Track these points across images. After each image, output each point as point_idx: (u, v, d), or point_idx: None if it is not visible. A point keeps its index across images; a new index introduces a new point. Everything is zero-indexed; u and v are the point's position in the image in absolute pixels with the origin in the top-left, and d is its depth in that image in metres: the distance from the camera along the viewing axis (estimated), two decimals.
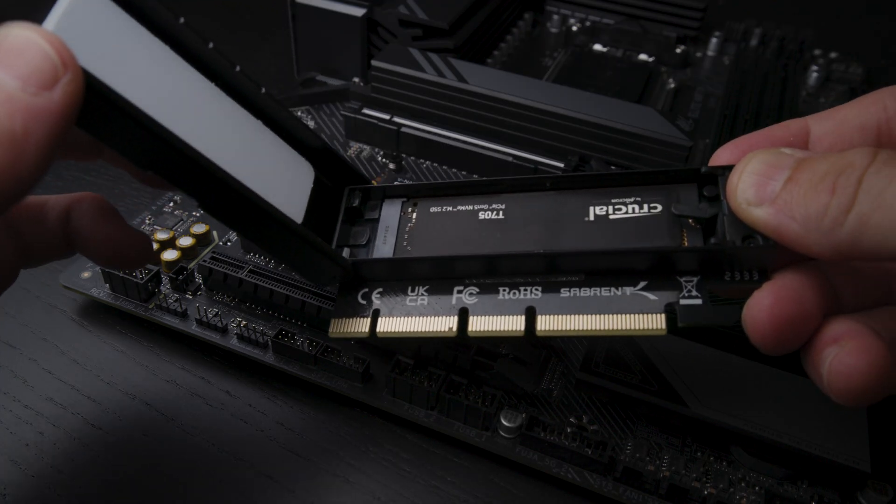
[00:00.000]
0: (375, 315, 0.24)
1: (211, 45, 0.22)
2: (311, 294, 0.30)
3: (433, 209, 0.25)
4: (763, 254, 0.20)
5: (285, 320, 0.31)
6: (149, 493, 0.26)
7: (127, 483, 0.26)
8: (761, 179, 0.19)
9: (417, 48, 0.41)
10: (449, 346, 0.28)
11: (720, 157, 0.22)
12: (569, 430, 0.26)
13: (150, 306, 0.31)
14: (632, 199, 0.23)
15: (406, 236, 0.25)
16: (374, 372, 0.29)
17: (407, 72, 0.39)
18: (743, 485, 0.26)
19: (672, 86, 0.48)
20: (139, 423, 0.28)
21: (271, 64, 0.50)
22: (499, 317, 0.22)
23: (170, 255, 0.32)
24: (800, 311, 0.19)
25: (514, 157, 0.38)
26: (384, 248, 0.25)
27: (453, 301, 0.23)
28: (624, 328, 0.21)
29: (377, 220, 0.26)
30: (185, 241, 0.33)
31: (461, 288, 0.23)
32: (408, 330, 0.23)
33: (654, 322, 0.21)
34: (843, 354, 0.19)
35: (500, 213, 0.24)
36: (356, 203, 0.26)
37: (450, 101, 0.38)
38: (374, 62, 0.39)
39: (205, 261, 0.31)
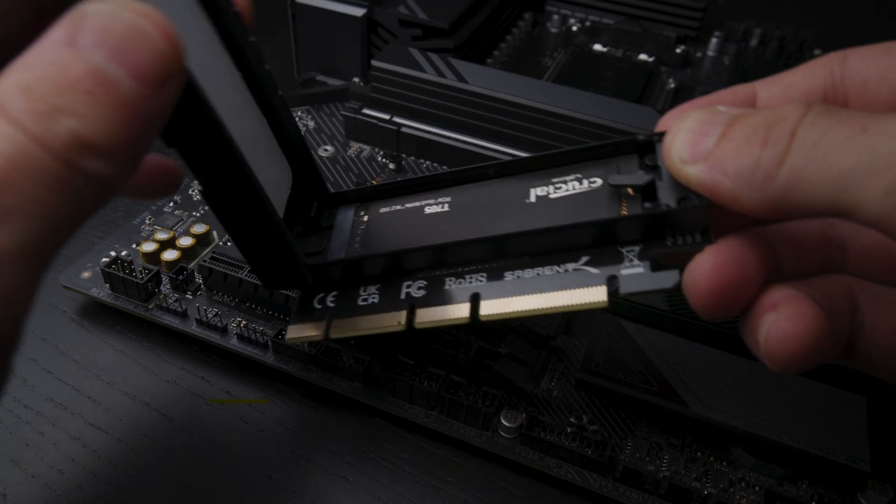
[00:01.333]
0: (328, 317, 0.24)
1: (253, 38, 0.22)
2: None
3: (383, 210, 0.26)
4: (699, 214, 0.20)
5: (285, 320, 0.31)
6: (149, 493, 0.26)
7: (127, 483, 0.26)
8: (695, 137, 0.18)
9: (417, 48, 0.41)
10: (449, 345, 0.28)
11: (664, 124, 0.21)
12: (569, 430, 0.26)
13: (150, 306, 0.31)
14: (572, 177, 0.23)
15: (358, 238, 0.25)
16: (374, 372, 0.29)
17: (407, 72, 0.39)
18: (743, 485, 0.26)
19: (672, 86, 0.48)
20: (139, 424, 0.28)
21: (271, 64, 0.49)
22: (444, 306, 0.23)
23: (170, 255, 0.32)
24: (740, 276, 0.19)
25: (514, 157, 0.38)
26: (337, 252, 0.25)
27: (402, 296, 0.23)
28: (565, 304, 0.21)
29: (332, 228, 0.26)
30: (186, 241, 0.33)
31: (410, 283, 0.24)
32: (359, 328, 0.24)
33: (595, 295, 0.21)
34: (780, 320, 0.18)
35: (446, 205, 0.25)
36: (313, 213, 0.26)
37: (450, 101, 0.38)
38: (374, 62, 0.39)
39: (205, 261, 0.31)
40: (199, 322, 0.30)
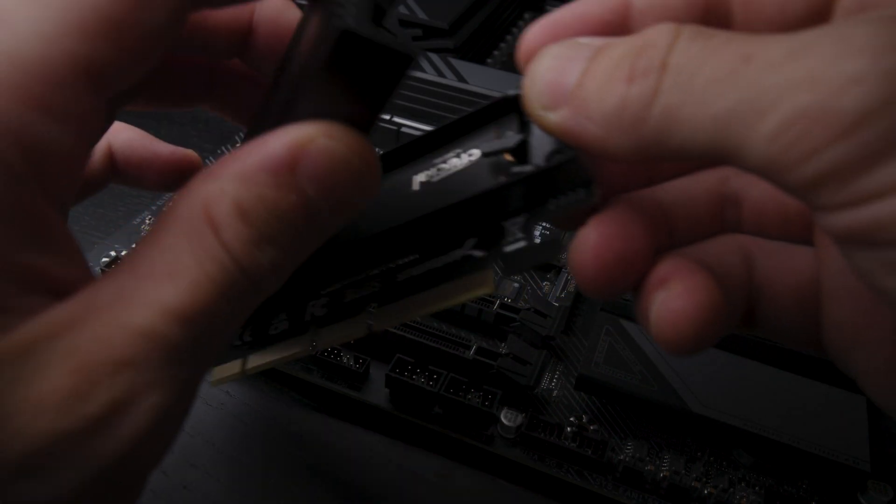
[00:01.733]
0: (245, 351, 0.23)
1: None
2: None
3: None
4: (573, 168, 0.17)
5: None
6: (148, 493, 0.26)
7: None
8: (554, 77, 0.16)
9: (417, 48, 0.41)
10: (449, 345, 0.28)
11: (528, 45, 0.18)
12: (569, 430, 0.26)
13: None
14: (452, 154, 0.20)
15: None
16: (373, 372, 0.29)
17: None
18: (743, 484, 0.26)
19: None
20: None
21: None
22: (343, 323, 0.21)
23: None
24: (628, 249, 0.17)
25: None
26: None
27: (306, 317, 0.22)
28: (455, 298, 0.19)
29: None
30: None
31: (313, 301, 0.22)
32: (272, 359, 0.22)
33: (479, 282, 0.18)
34: (669, 299, 0.16)
35: None
36: None
37: (450, 101, 0.38)
38: None
39: None
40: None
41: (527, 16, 0.53)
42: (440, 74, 0.38)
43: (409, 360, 0.28)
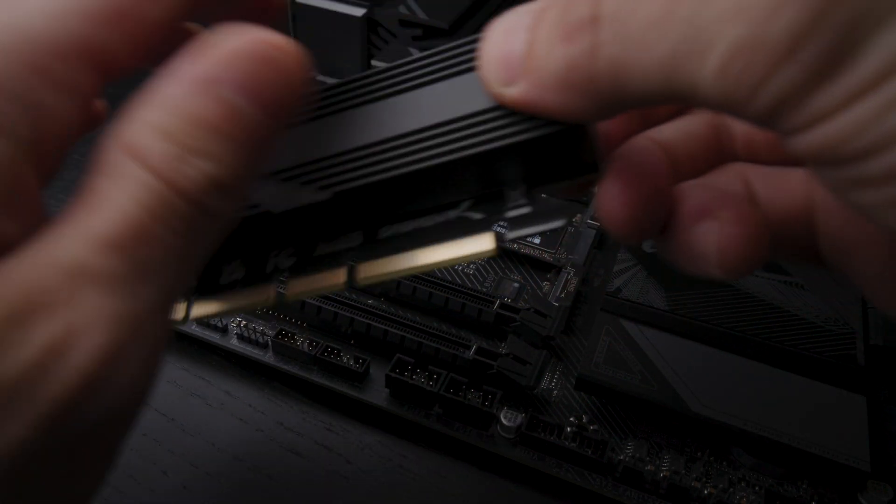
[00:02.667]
0: (192, 298, 0.20)
1: None
2: None
3: None
4: (564, 140, 0.16)
5: (285, 320, 0.31)
6: (149, 493, 0.26)
7: (126, 483, 0.26)
8: (504, 51, 0.15)
9: (417, 48, 0.41)
10: (449, 345, 0.28)
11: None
12: (569, 430, 0.26)
13: None
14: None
15: None
16: (373, 372, 0.29)
17: None
18: (743, 485, 0.26)
19: None
20: (139, 423, 0.28)
21: None
22: (318, 274, 0.19)
23: None
24: (653, 188, 0.17)
25: None
26: None
27: (268, 268, 0.20)
28: (451, 257, 0.18)
29: None
30: None
31: (277, 252, 0.20)
32: (222, 308, 0.20)
33: (482, 243, 0.18)
34: (727, 226, 0.16)
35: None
36: None
37: None
38: (373, 62, 0.39)
39: None
40: (200, 322, 0.30)
41: None
42: None
43: (409, 360, 0.28)
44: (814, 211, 0.18)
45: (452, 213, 0.19)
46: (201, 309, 0.20)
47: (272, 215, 0.19)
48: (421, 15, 0.43)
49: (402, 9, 0.43)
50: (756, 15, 0.12)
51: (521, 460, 0.27)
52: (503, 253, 0.34)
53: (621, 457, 0.26)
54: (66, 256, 0.13)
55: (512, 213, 0.18)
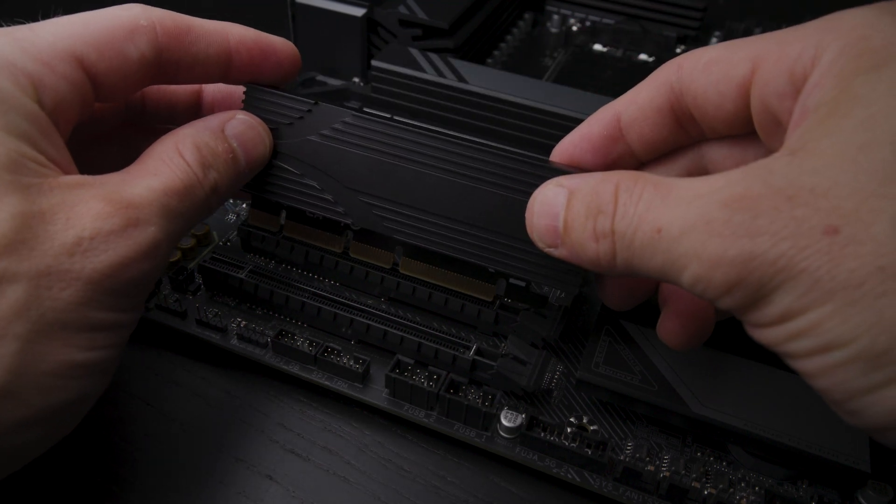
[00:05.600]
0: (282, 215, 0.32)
1: None
2: (310, 294, 0.30)
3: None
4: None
5: (285, 320, 0.31)
6: (149, 493, 0.26)
7: (127, 483, 0.26)
8: (547, 225, 0.22)
9: (417, 48, 0.41)
10: (449, 345, 0.28)
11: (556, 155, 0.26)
12: (569, 431, 0.26)
13: (151, 306, 0.31)
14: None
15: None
16: (373, 372, 0.29)
17: (407, 72, 0.39)
18: (743, 485, 0.26)
19: None
20: (139, 423, 0.28)
21: None
22: (374, 248, 0.31)
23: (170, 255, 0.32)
24: (636, 295, 0.27)
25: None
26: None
27: (341, 223, 0.31)
28: (460, 290, 0.30)
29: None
30: (186, 242, 0.33)
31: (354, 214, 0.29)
32: (304, 233, 0.31)
33: (486, 291, 0.30)
34: (665, 319, 0.26)
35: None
36: None
37: (450, 101, 0.38)
38: (373, 62, 0.39)
39: (205, 261, 0.31)
40: (199, 322, 0.30)
41: (527, 15, 0.53)
42: (440, 74, 0.38)
43: (408, 360, 0.28)
44: None
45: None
46: (291, 228, 0.32)
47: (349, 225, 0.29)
48: (421, 15, 0.43)
49: (401, 9, 0.43)
50: (704, 262, 0.18)
51: (522, 460, 0.27)
52: None
53: (621, 457, 0.26)
54: (138, 191, 0.23)
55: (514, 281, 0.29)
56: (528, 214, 0.23)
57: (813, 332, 0.17)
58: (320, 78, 0.46)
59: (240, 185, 0.27)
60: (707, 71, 0.22)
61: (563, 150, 0.26)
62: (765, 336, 0.18)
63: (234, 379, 0.30)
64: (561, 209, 0.22)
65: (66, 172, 0.22)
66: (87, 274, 0.21)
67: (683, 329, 0.25)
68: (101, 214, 0.21)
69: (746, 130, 0.23)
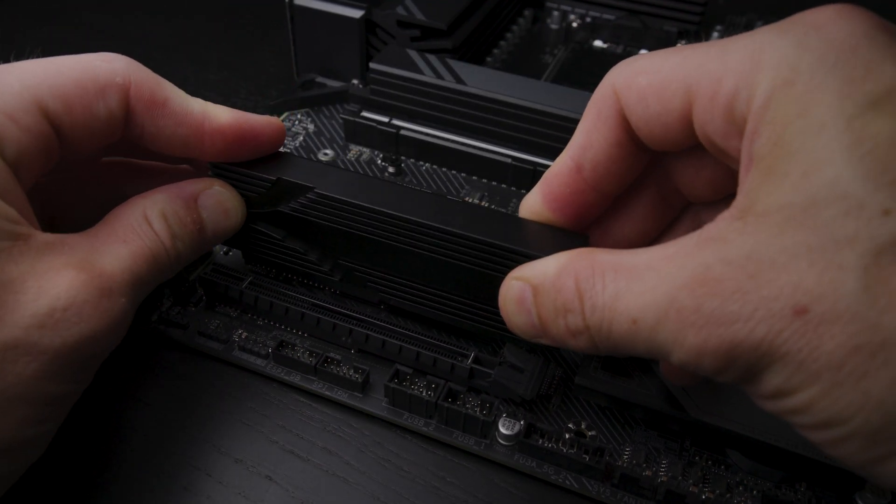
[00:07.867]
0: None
1: None
2: (310, 305, 0.30)
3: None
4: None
5: (286, 331, 0.31)
6: (149, 494, 0.26)
7: (127, 483, 0.26)
8: (525, 322, 0.22)
9: (416, 49, 0.41)
10: (447, 354, 0.28)
11: (529, 208, 0.26)
12: (567, 437, 0.27)
13: (153, 318, 0.31)
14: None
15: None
16: (373, 381, 0.29)
17: (405, 74, 0.39)
18: (741, 488, 0.26)
19: None
20: (140, 424, 0.28)
21: (270, 65, 0.50)
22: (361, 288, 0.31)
23: None
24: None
25: (514, 158, 0.38)
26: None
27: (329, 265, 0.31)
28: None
29: None
30: None
31: (343, 258, 0.30)
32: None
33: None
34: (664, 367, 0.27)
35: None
36: None
37: (448, 102, 0.38)
38: (372, 64, 0.39)
39: (206, 273, 0.31)
40: (201, 334, 0.30)
41: (526, 12, 0.53)
42: (438, 76, 0.38)
43: (407, 370, 0.28)
44: None
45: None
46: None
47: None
48: (419, 16, 0.43)
49: (399, 10, 0.43)
50: (688, 351, 0.18)
51: (520, 467, 0.27)
52: None
53: (619, 462, 0.27)
54: (107, 264, 0.23)
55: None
56: (503, 313, 0.23)
57: (809, 410, 0.17)
58: (319, 80, 0.46)
59: (202, 253, 0.28)
60: (644, 104, 0.21)
61: (532, 212, 0.26)
62: (768, 407, 0.18)
63: (233, 380, 0.30)
64: (531, 307, 0.22)
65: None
66: (56, 347, 0.20)
67: (684, 371, 0.25)
68: (74, 284, 0.21)
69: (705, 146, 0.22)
